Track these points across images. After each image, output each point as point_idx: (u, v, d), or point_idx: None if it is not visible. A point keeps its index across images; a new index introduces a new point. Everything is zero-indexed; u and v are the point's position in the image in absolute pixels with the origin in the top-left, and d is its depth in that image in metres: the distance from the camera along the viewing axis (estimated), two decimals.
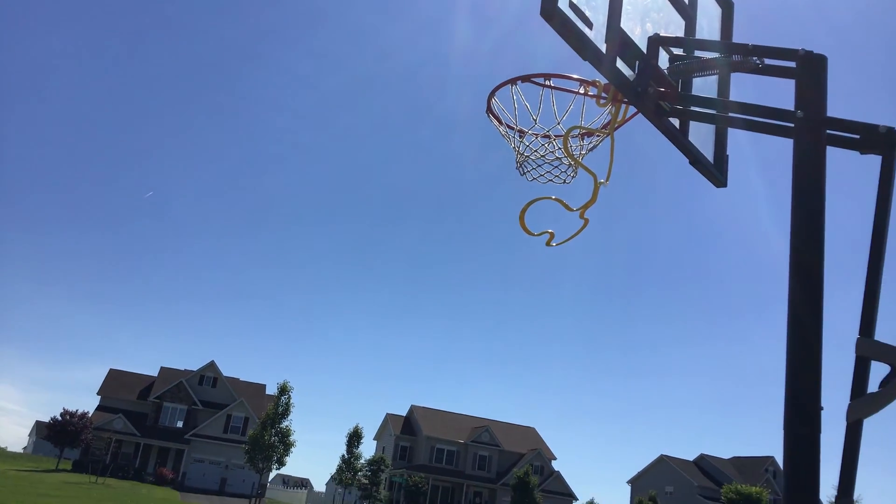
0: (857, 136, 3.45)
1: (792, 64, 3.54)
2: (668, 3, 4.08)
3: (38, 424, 72.90)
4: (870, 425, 3.25)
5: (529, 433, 77.67)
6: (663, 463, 78.51)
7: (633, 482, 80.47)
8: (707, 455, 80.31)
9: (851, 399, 3.22)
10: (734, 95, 4.34)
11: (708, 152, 4.30)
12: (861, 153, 3.48)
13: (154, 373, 68.67)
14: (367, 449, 75.86)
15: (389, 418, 75.03)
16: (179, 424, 63.22)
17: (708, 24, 4.39)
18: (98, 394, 64.48)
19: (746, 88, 4.30)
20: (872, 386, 3.22)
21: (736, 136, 4.44)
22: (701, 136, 4.23)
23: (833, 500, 3.22)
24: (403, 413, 76.29)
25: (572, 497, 71.16)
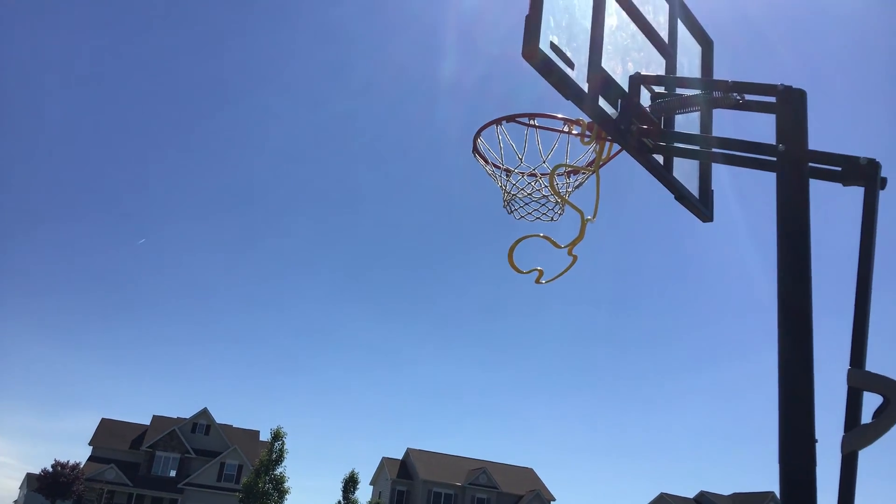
0: (839, 169, 3.49)
1: (772, 99, 3.60)
2: (649, 42, 4.15)
3: (29, 476, 71.60)
4: (867, 456, 3.23)
5: (527, 474, 76.82)
6: (663, 501, 77.62)
7: None
8: (707, 492, 79.47)
9: (845, 431, 3.21)
10: (717, 130, 4.40)
11: (693, 187, 4.34)
12: (843, 185, 3.51)
13: (146, 421, 67.87)
14: (364, 494, 74.85)
15: (385, 462, 74.17)
16: (172, 473, 62.30)
17: (688, 62, 4.47)
18: (90, 444, 63.57)
19: (729, 122, 4.36)
20: (866, 417, 3.21)
21: (721, 170, 4.49)
22: (685, 171, 4.27)
23: None
24: (399, 456, 75.46)
25: None
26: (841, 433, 3.22)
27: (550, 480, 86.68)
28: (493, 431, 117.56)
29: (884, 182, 3.44)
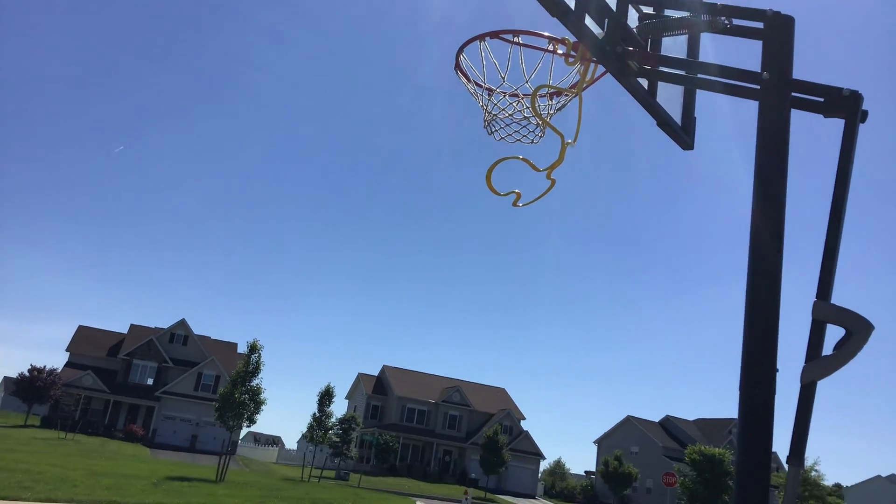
0: (822, 100, 3.46)
1: (760, 25, 3.53)
2: None
3: (6, 380, 72.30)
4: (831, 389, 3.31)
5: (499, 394, 78.58)
6: (629, 424, 80.00)
7: (600, 442, 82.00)
8: (672, 417, 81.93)
9: (806, 361, 3.27)
10: (704, 54, 4.33)
11: (676, 114, 4.29)
12: (825, 116, 3.48)
13: (124, 330, 68.21)
14: (339, 408, 76.54)
15: (361, 378, 75.44)
16: (150, 382, 63.03)
17: None
18: (67, 350, 63.97)
19: (718, 48, 4.28)
20: (828, 349, 3.26)
21: (706, 96, 4.43)
22: (669, 97, 4.21)
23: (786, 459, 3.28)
24: (375, 373, 76.75)
25: (540, 456, 72.39)
26: (802, 363, 3.28)
27: (522, 401, 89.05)
28: (468, 352, 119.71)
29: (864, 115, 3.41)
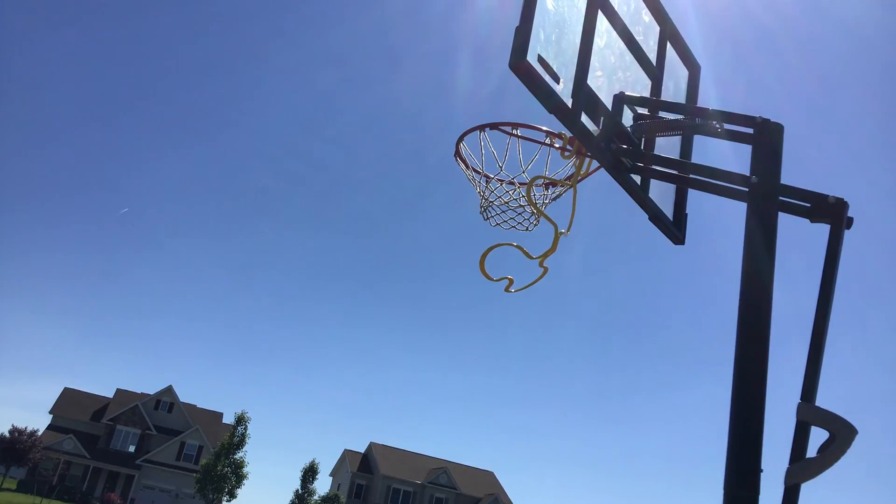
0: (808, 205, 3.55)
1: (750, 130, 3.66)
2: (636, 63, 4.20)
3: None
4: (812, 489, 3.29)
5: (488, 477, 76.99)
6: None
7: None
8: None
9: (790, 463, 3.26)
10: (697, 150, 4.47)
11: (668, 209, 4.40)
12: (811, 221, 3.57)
13: (110, 394, 67.28)
14: (323, 485, 74.76)
15: (347, 454, 74.04)
16: (132, 449, 61.77)
17: (674, 85, 4.52)
18: (50, 412, 62.90)
19: (709, 146, 4.41)
20: (812, 451, 3.26)
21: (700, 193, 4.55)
22: (661, 193, 4.32)
23: None
24: (362, 450, 75.37)
25: None
26: (786, 464, 3.28)
27: (510, 485, 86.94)
28: (457, 433, 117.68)
29: (850, 222, 3.51)
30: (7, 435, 53.75)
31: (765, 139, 3.57)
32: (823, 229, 3.51)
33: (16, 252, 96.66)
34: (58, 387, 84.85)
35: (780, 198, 3.53)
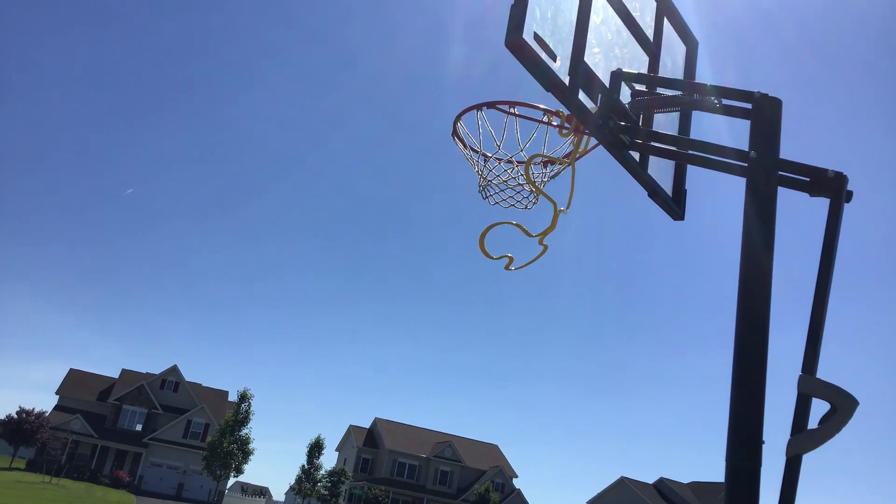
0: (808, 179, 3.56)
1: (749, 105, 3.65)
2: (634, 39, 4.17)
3: None
4: (817, 459, 3.33)
5: (492, 450, 77.62)
6: (623, 485, 78.80)
7: (593, 503, 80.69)
8: (666, 479, 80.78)
9: (792, 434, 3.30)
10: (695, 126, 4.46)
11: (667, 185, 4.39)
12: (810, 195, 3.58)
13: (115, 374, 67.67)
14: (329, 460, 75.43)
15: (352, 430, 74.59)
16: (138, 427, 62.26)
17: (672, 61, 4.50)
18: (56, 393, 63.31)
19: (708, 119, 4.40)
20: (813, 423, 3.30)
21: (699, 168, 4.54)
22: (660, 169, 4.32)
23: None
24: (367, 425, 75.92)
25: None
26: (788, 436, 3.31)
27: (515, 458, 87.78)
28: (461, 408, 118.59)
29: (849, 195, 3.51)
30: (15, 416, 54.15)
31: (763, 114, 3.56)
32: (823, 203, 3.51)
33: (20, 235, 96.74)
34: (63, 368, 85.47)
35: (780, 172, 3.53)
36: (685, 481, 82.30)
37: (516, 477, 73.28)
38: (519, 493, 70.68)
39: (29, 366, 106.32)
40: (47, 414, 56.85)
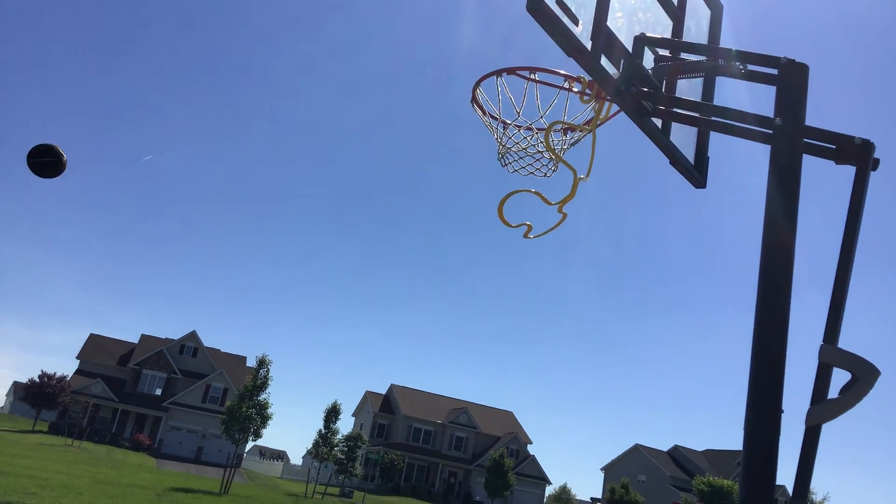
0: (833, 147, 3.50)
1: (774, 71, 3.58)
2: (657, 3, 4.09)
3: (16, 385, 72.51)
4: (842, 428, 3.32)
5: (507, 417, 78.16)
6: (637, 452, 79.32)
7: (607, 469, 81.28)
8: (681, 446, 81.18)
9: (812, 404, 3.28)
10: (719, 93, 4.38)
11: (689, 153, 4.34)
12: (836, 163, 3.52)
13: (135, 340, 68.53)
14: (345, 425, 76.21)
15: (369, 396, 75.28)
16: (158, 392, 63.16)
17: (696, 26, 4.41)
18: (77, 358, 64.27)
19: (731, 87, 4.33)
20: (833, 392, 3.28)
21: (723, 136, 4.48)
22: (683, 136, 4.26)
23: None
24: (383, 391, 76.57)
25: (546, 481, 71.80)
26: (808, 405, 3.30)
27: (529, 425, 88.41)
28: (476, 373, 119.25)
29: (876, 163, 3.45)
30: (37, 380, 55.07)
31: (789, 80, 3.49)
32: (849, 171, 3.46)
33: (38, 203, 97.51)
34: (83, 333, 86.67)
35: (805, 140, 3.47)
36: (700, 449, 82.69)
37: (531, 443, 73.90)
38: (533, 459, 71.29)
39: (50, 331, 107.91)
40: (68, 378, 57.74)
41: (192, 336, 67.12)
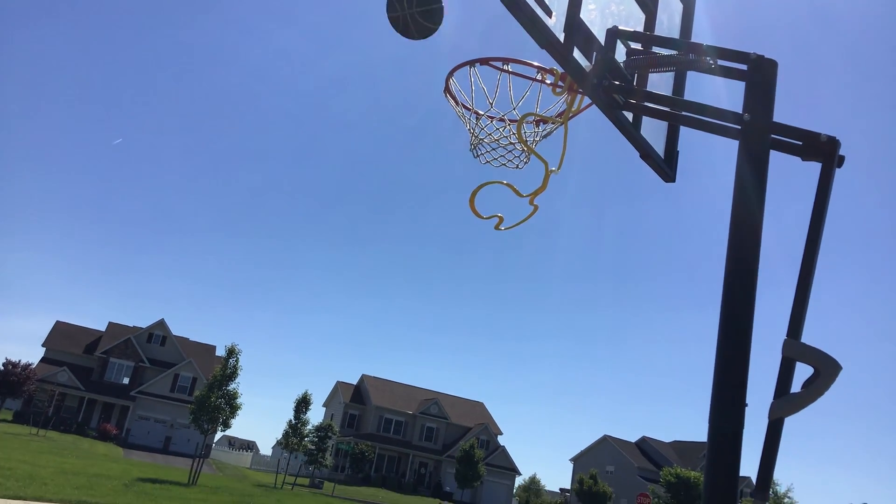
0: (800, 143, 3.53)
1: (744, 67, 3.60)
2: None
3: None
4: (805, 421, 3.37)
5: (477, 407, 78.50)
6: (606, 443, 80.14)
7: (576, 460, 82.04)
8: (649, 438, 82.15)
9: (775, 398, 3.33)
10: (693, 90, 4.41)
11: (659, 147, 4.36)
12: (802, 159, 3.56)
13: (102, 327, 67.72)
14: (316, 415, 76.16)
15: (340, 386, 75.17)
16: (125, 381, 62.50)
17: (668, 19, 4.43)
18: (43, 346, 63.36)
19: (703, 83, 4.36)
20: (796, 386, 3.32)
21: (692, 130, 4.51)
22: (653, 130, 4.28)
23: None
24: (354, 382, 76.50)
25: (516, 472, 72.33)
26: (771, 399, 3.34)
27: (500, 416, 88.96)
28: (447, 364, 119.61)
29: (841, 160, 3.49)
30: (1, 367, 54.19)
31: (758, 76, 3.52)
32: (814, 167, 3.50)
33: (8, 187, 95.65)
34: (49, 320, 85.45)
35: (773, 136, 3.50)
36: (667, 440, 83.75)
37: (501, 434, 74.32)
38: (503, 449, 71.72)
39: (15, 318, 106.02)
40: (34, 366, 56.91)
41: (161, 324, 66.47)
